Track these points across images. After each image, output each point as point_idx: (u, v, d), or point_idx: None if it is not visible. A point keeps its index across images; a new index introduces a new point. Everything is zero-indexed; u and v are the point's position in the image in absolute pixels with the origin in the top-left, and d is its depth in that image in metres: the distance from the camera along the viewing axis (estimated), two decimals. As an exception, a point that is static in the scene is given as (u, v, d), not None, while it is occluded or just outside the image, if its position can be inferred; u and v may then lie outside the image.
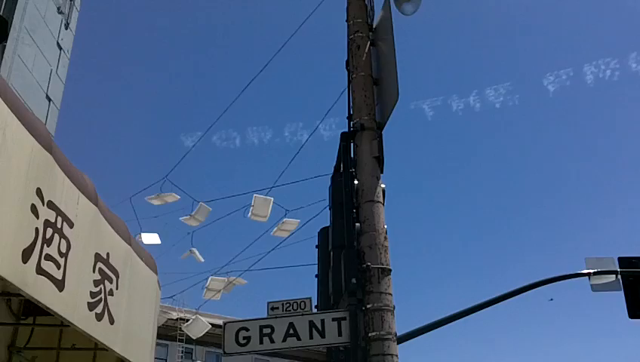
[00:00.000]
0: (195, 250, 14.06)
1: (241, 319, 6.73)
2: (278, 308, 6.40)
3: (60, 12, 9.27)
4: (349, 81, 7.65)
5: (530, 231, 59.93)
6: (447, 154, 62.44)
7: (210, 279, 14.25)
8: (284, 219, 12.61)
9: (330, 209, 7.29)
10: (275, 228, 12.78)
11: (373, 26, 7.83)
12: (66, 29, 9.49)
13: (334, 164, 7.64)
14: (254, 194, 12.27)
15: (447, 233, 60.20)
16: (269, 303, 6.46)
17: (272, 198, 12.20)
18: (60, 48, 9.27)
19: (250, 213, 12.32)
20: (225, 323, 6.47)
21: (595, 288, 12.27)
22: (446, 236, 60.95)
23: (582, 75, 45.29)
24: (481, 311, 11.32)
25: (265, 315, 6.48)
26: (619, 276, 12.15)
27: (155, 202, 13.02)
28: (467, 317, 11.19)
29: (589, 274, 12.28)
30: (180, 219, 13.24)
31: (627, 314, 11.89)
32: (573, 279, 12.56)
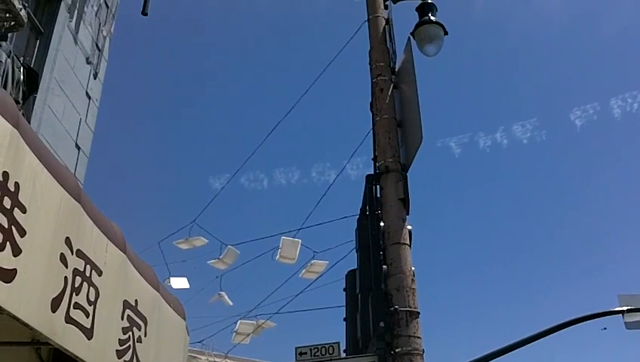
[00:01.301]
0: (223, 293, 14.07)
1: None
2: (306, 353, 6.36)
3: (88, 62, 9.51)
4: (374, 124, 7.70)
5: (562, 265, 58.93)
6: (475, 190, 62.03)
7: (239, 323, 14.21)
8: (312, 261, 12.59)
9: (356, 251, 7.27)
10: (304, 270, 12.75)
11: (396, 69, 7.90)
12: (95, 78, 9.73)
13: (360, 206, 7.65)
14: (282, 237, 12.30)
15: (478, 267, 59.43)
16: (296, 348, 6.42)
17: (300, 240, 12.21)
18: (89, 97, 9.49)
19: (278, 256, 12.34)
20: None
21: (629, 326, 12.02)
22: (475, 271, 60.14)
23: (609, 109, 45.02)
24: (515, 351, 11.15)
25: (293, 360, 6.44)
26: (654, 314, 11.92)
27: (184, 246, 13.11)
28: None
29: (622, 312, 12.05)
30: (208, 262, 13.30)
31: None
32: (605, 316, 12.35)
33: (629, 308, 12.02)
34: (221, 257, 13.00)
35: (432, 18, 8.90)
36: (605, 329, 12.37)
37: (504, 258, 59.76)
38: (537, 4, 54.71)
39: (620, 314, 12.13)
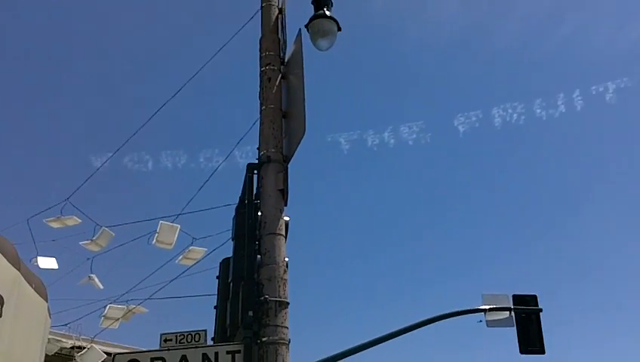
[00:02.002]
0: (94, 276, 13.57)
1: (133, 350, 6.55)
2: (171, 339, 6.28)
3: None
4: (260, 113, 7.67)
5: (434, 264, 61.30)
6: (360, 187, 63.35)
7: (108, 307, 13.78)
8: (190, 248, 12.39)
9: (232, 240, 7.24)
10: (181, 256, 12.52)
11: (285, 60, 7.91)
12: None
13: (240, 194, 7.61)
14: (160, 221, 12.02)
15: (355, 262, 60.79)
16: (162, 335, 6.32)
17: (179, 226, 11.97)
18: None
19: (154, 240, 12.04)
20: (114, 355, 6.27)
21: (490, 324, 12.67)
22: (352, 266, 61.50)
23: (491, 117, 47.26)
24: (379, 345, 11.46)
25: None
26: (512, 313, 12.62)
27: (55, 225, 12.54)
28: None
29: (485, 310, 12.67)
30: (81, 243, 12.79)
31: (518, 349, 12.35)
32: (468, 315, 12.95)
33: (491, 307, 12.67)
34: (94, 238, 12.53)
35: (327, 13, 8.96)
36: (481, 321, 12.94)
37: (381, 254, 61.43)
38: (434, 10, 56.40)
39: (483, 313, 12.76)
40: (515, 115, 44.01)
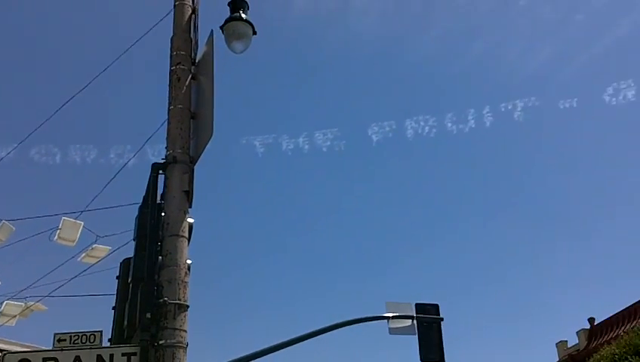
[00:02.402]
0: (-10, 271, 13.00)
1: (27, 349, 6.33)
2: (65, 340, 6.09)
3: None
4: (168, 112, 7.57)
5: (342, 269, 62.03)
6: (272, 190, 63.39)
7: (5, 303, 13.25)
8: (94, 246, 12.05)
9: (134, 240, 7.10)
10: (84, 254, 12.17)
11: (196, 60, 7.84)
12: None
13: (144, 194, 7.48)
14: (63, 217, 11.65)
15: (264, 267, 60.71)
16: (55, 334, 6.13)
17: (82, 223, 11.63)
18: None
19: (56, 236, 11.66)
20: (4, 354, 6.03)
21: (392, 331, 12.94)
22: (262, 271, 61.43)
23: (404, 128, 48.32)
24: (284, 349, 11.50)
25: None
26: (414, 321, 12.93)
27: (-51, 217, 11.94)
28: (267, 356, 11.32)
29: (388, 318, 12.93)
30: (-23, 237, 12.21)
31: (419, 357, 12.65)
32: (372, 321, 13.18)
33: (394, 314, 12.94)
34: (-8, 233, 12.00)
35: (243, 16, 8.96)
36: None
37: (290, 258, 61.68)
38: (354, 20, 57.24)
39: (386, 320, 13.02)
40: (427, 128, 45.17)
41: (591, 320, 27.54)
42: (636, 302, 25.70)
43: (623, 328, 24.70)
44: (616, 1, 56.39)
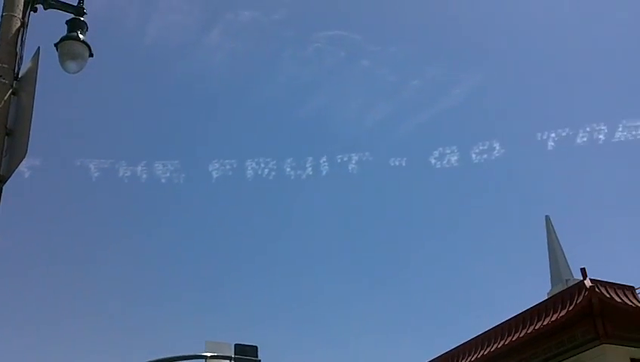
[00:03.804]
0: None
1: None
2: None
3: None
4: (-15, 126, 7.12)
5: (165, 305, 60.60)
6: (99, 217, 61.15)
7: None
8: None
9: None
10: None
11: (19, 75, 7.48)
12: None
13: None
14: None
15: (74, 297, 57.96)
16: None
17: None
18: None
19: None
20: None
21: (210, 371, 12.78)
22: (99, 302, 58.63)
23: (244, 168, 48.65)
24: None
25: None
26: (233, 361, 12.86)
27: None
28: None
29: (205, 357, 12.77)
30: None
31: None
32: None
33: (213, 354, 12.80)
34: None
35: (81, 36, 8.74)
36: None
37: (109, 288, 59.44)
38: (205, 56, 57.28)
39: (204, 359, 12.84)
40: (266, 170, 45.81)
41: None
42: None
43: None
44: (448, 72, 61.00)
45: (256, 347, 13.17)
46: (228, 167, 46.96)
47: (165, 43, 56.45)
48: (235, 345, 12.97)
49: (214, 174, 48.20)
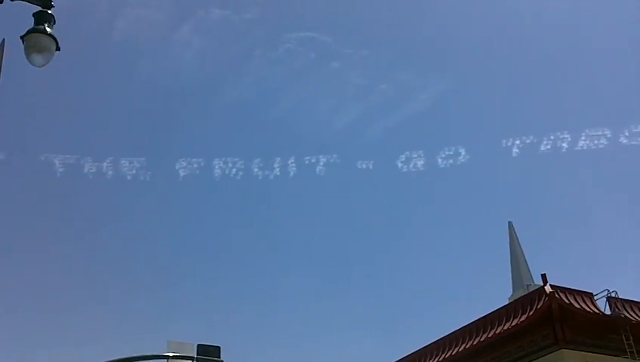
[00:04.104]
0: None
1: None
2: None
3: None
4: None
5: (126, 303, 59.88)
6: (69, 215, 60.20)
7: None
8: None
9: None
10: None
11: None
12: None
13: None
14: None
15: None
16: None
17: None
18: None
19: None
20: None
21: (172, 371, 12.66)
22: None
23: (212, 167, 48.34)
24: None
25: None
26: (195, 361, 12.75)
27: None
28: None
29: (167, 357, 12.64)
30: None
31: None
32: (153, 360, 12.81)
33: (175, 354, 12.67)
34: None
35: (48, 29, 8.61)
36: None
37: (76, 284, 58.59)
38: (175, 54, 56.79)
39: (166, 359, 12.72)
40: (234, 170, 45.59)
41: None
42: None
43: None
44: (416, 77, 61.52)
45: (218, 347, 13.09)
46: (195, 165, 46.64)
47: (135, 38, 55.88)
48: (198, 346, 12.87)
49: (181, 173, 47.77)
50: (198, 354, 12.67)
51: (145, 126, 62.67)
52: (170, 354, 12.55)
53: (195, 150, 65.80)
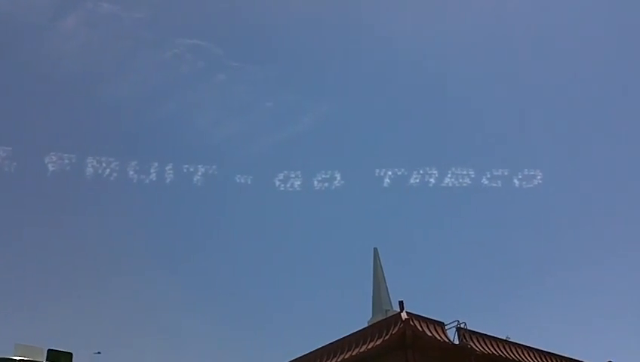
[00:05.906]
0: None
1: None
2: None
3: None
4: None
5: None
6: None
7: None
8: None
9: None
10: None
11: None
12: None
13: None
14: None
15: None
16: None
17: None
18: None
19: None
20: None
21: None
22: None
23: (84, 165, 46.73)
24: None
25: None
26: (43, 367, 12.32)
27: None
28: None
29: (14, 361, 12.14)
30: None
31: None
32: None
33: (22, 358, 12.18)
34: None
35: None
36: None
37: None
38: (57, 42, 54.55)
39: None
40: (108, 170, 44.25)
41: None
42: None
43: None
44: (301, 98, 62.71)
45: (70, 354, 12.72)
46: (66, 161, 44.82)
47: (13, 19, 53.18)
48: (48, 351, 12.45)
49: (50, 167, 45.76)
50: (47, 359, 12.26)
51: (16, 113, 59.68)
52: (17, 358, 12.06)
53: (68, 145, 63.31)
